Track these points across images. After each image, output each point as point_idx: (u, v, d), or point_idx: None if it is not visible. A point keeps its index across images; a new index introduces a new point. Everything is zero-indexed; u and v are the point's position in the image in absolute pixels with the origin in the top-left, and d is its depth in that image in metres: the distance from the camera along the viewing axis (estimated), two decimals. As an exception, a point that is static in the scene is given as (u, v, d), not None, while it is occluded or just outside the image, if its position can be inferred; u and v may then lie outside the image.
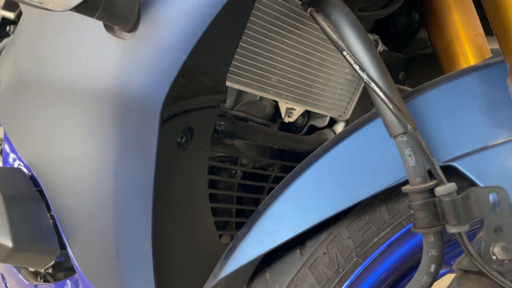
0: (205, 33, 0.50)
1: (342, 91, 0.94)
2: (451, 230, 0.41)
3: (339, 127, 0.99)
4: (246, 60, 0.77)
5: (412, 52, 1.01)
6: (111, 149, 0.60)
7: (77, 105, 0.62)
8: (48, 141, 0.74)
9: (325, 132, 0.99)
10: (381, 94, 0.42)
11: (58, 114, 0.68)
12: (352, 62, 0.44)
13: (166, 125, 0.60)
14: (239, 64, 0.76)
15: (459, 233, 0.41)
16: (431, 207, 0.42)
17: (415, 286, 0.44)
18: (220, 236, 0.90)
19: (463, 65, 0.78)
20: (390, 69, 0.98)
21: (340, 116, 0.97)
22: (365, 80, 0.43)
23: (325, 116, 0.97)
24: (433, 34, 0.84)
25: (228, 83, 0.76)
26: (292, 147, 0.94)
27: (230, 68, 0.75)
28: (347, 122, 0.98)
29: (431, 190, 0.42)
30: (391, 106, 0.42)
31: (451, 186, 0.41)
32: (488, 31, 0.83)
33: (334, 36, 0.45)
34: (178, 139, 0.68)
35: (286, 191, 0.54)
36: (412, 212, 0.43)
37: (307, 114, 1.00)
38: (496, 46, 0.97)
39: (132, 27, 0.50)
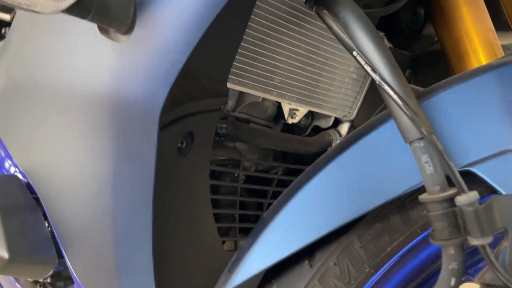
0: (205, 34, 0.47)
1: (347, 91, 0.91)
2: (474, 242, 0.38)
3: (344, 128, 0.96)
4: (247, 60, 0.74)
5: (418, 49, 0.98)
6: (108, 157, 0.57)
7: (73, 111, 0.59)
8: (44, 148, 0.71)
9: (330, 133, 0.96)
10: (395, 97, 0.39)
11: (53, 121, 0.65)
12: (363, 63, 0.41)
13: (166, 131, 0.57)
14: (240, 65, 0.74)
15: (483, 246, 0.38)
16: (451, 218, 0.39)
17: (435, 301, 0.41)
18: (223, 242, 0.87)
19: (473, 62, 0.76)
20: (396, 67, 0.95)
21: (345, 116, 0.94)
22: (377, 82, 0.40)
23: (329, 116, 0.94)
24: (440, 31, 0.81)
25: (229, 85, 0.73)
26: (296, 149, 0.91)
27: (231, 69, 0.72)
28: (352, 122, 0.96)
29: (450, 199, 0.39)
30: (406, 110, 0.39)
31: (473, 195, 0.38)
32: (498, 26, 0.80)
33: (342, 35, 0.42)
34: (178, 145, 0.65)
35: (293, 199, 0.51)
36: (430, 222, 0.40)
37: (310, 115, 0.97)
38: (507, 42, 0.94)
39: (128, 29, 0.47)
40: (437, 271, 0.52)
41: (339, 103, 0.91)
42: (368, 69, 0.40)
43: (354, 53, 0.41)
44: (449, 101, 0.48)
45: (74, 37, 0.55)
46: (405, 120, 0.40)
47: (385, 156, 0.48)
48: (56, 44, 0.59)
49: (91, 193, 0.64)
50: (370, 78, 0.92)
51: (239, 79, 0.75)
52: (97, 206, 0.64)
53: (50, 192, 0.74)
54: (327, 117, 0.95)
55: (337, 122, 0.97)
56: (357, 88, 0.92)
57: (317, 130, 0.98)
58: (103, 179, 0.60)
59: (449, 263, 0.40)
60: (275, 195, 0.92)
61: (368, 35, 0.41)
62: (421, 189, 0.48)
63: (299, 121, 0.95)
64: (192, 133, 0.65)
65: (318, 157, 1.01)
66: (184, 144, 0.66)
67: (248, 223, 0.92)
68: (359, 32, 0.41)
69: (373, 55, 0.41)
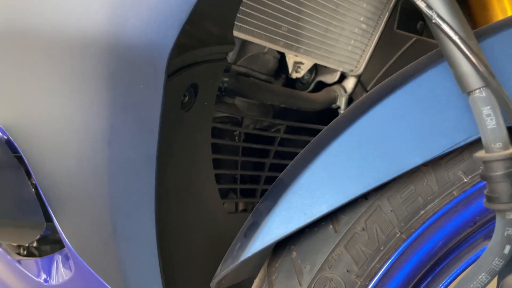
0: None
1: (355, 43, 0.85)
2: (540, 206, 0.34)
3: (350, 83, 0.90)
4: (254, 5, 0.67)
5: None
6: (104, 108, 0.50)
7: (62, 56, 0.51)
8: (26, 99, 0.63)
9: (335, 88, 0.90)
10: (456, 39, 0.34)
11: (37, 68, 0.57)
12: (415, -2, 0.34)
13: (170, 81, 0.50)
14: (247, 10, 0.66)
15: (549, 210, 0.34)
16: (515, 179, 0.34)
17: (484, 269, 0.37)
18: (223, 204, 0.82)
19: (497, 10, 0.70)
20: (408, 18, 0.89)
21: (352, 70, 0.88)
22: (434, 21, 0.34)
23: (335, 71, 0.88)
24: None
25: (235, 33, 0.66)
26: (300, 106, 0.85)
27: (238, 15, 0.65)
28: (359, 77, 0.90)
29: (513, 158, 0.35)
30: (469, 53, 0.33)
31: (544, 153, 0.34)
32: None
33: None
34: (181, 98, 0.58)
35: (318, 158, 0.46)
36: (488, 184, 0.36)
37: (314, 69, 0.90)
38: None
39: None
40: (474, 235, 0.48)
41: (347, 55, 0.85)
42: (423, 5, 0.34)
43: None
44: (500, 46, 0.42)
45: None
46: (465, 67, 0.34)
47: (425, 109, 0.43)
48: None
49: (83, 148, 0.57)
50: (380, 29, 0.86)
51: (245, 26, 0.67)
52: (90, 162, 0.57)
53: (34, 149, 0.67)
54: (332, 71, 0.89)
55: (342, 77, 0.91)
56: (365, 40, 0.86)
57: (320, 86, 0.93)
58: (99, 133, 0.53)
59: (506, 229, 0.36)
60: (277, 154, 0.87)
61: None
62: (462, 148, 0.43)
63: (302, 76, 0.89)
64: (196, 85, 0.59)
65: (321, 115, 0.95)
66: (187, 98, 0.60)
67: (249, 184, 0.87)
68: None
69: (427, -11, 0.35)
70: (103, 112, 0.50)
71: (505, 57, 0.42)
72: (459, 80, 0.36)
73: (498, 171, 0.35)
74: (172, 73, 0.51)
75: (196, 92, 0.60)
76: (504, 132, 0.35)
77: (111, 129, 0.51)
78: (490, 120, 0.34)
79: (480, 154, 0.36)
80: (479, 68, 0.33)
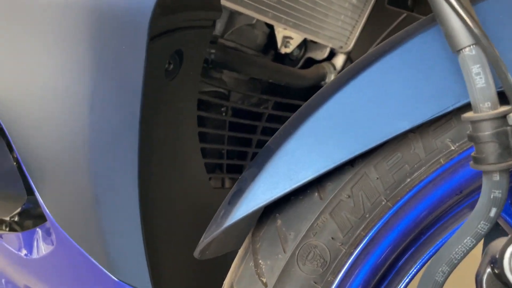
0: None
1: (345, 18, 0.83)
2: (528, 166, 0.33)
3: (339, 60, 0.89)
4: (242, -27, 0.65)
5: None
6: (86, 73, 0.48)
7: (39, 18, 0.49)
8: (6, 68, 0.61)
9: (324, 65, 0.89)
10: (446, -6, 0.33)
11: (16, 33, 0.55)
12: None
13: (154, 44, 0.49)
14: (235, -22, 0.65)
15: (537, 171, 0.34)
16: (503, 139, 0.34)
17: (469, 233, 0.37)
18: (209, 179, 0.81)
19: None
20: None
21: (341, 47, 0.87)
22: (425, -24, 0.33)
23: (325, 47, 0.87)
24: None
25: (223, 2, 0.65)
26: (289, 82, 0.84)
27: (225, -17, 0.64)
28: (349, 54, 0.89)
29: (502, 118, 0.34)
30: (460, 9, 0.32)
31: (533, 112, 0.33)
32: None
33: None
34: (166, 66, 0.57)
35: (304, 124, 0.45)
36: (475, 144, 0.35)
37: (304, 45, 0.89)
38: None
39: None
40: (459, 205, 0.48)
41: (337, 31, 0.84)
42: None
43: None
44: (490, 10, 0.41)
45: None
46: (455, 23, 0.34)
47: (415, 74, 0.42)
48: None
49: (65, 118, 0.55)
50: (371, 5, 0.85)
51: (233, -5, 0.66)
52: (72, 133, 0.56)
53: (15, 120, 0.65)
54: (322, 47, 0.88)
55: (331, 54, 0.90)
56: (356, 16, 0.85)
57: (310, 63, 0.92)
58: (80, 100, 0.51)
59: (492, 192, 0.35)
60: (265, 131, 0.86)
61: None
62: (450, 115, 0.43)
63: (292, 52, 0.88)
64: (181, 52, 0.57)
65: (311, 92, 0.95)
66: (172, 66, 0.58)
67: (236, 160, 0.86)
68: None
69: None
70: (85, 75, 0.49)
71: (496, 21, 0.41)
72: (449, 38, 0.35)
73: (486, 131, 0.34)
74: (155, 35, 0.49)
75: (181, 60, 0.58)
76: (493, 91, 0.34)
77: (94, 93, 0.50)
78: (479, 79, 0.34)
79: (469, 114, 0.36)
80: (470, 24, 0.33)
